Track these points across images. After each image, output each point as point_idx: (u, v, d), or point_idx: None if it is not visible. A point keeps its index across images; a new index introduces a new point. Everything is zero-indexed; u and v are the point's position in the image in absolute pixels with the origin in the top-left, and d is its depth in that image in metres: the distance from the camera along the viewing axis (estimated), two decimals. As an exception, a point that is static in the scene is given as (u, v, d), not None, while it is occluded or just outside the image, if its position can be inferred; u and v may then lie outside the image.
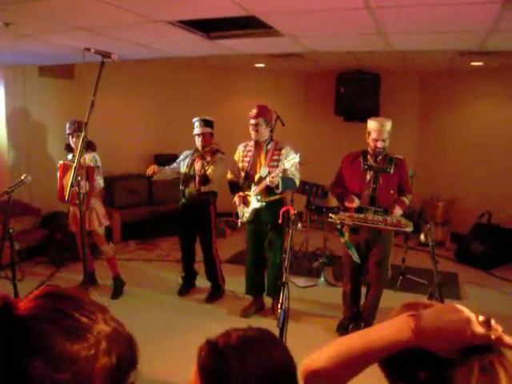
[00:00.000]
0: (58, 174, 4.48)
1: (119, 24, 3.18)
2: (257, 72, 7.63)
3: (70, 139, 4.56)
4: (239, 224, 4.33)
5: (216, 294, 4.72)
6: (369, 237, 3.81)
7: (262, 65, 7.08)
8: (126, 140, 6.81)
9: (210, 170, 4.40)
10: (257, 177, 4.11)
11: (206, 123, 4.55)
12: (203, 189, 4.48)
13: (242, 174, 4.29)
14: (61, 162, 4.54)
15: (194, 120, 4.59)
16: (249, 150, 4.27)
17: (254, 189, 4.10)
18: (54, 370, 0.63)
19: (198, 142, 4.54)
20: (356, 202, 3.78)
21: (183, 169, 4.61)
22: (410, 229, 3.57)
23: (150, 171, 4.52)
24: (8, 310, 0.66)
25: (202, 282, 4.88)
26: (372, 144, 3.77)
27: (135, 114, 7.05)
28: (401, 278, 5.03)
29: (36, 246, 5.73)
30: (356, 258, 3.78)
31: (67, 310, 0.69)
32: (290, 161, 3.75)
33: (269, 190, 4.05)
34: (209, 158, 4.47)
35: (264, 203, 4.07)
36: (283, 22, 3.12)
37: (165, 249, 6.32)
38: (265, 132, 4.14)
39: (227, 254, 6.02)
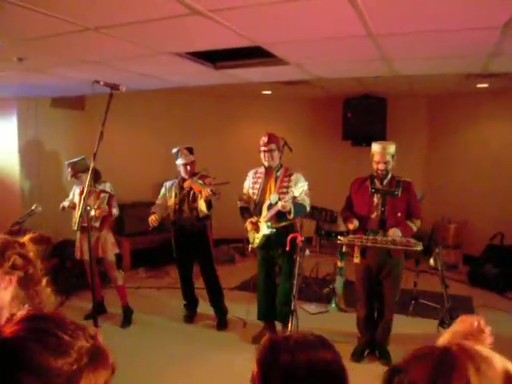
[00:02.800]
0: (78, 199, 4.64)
1: (128, 57, 3.26)
2: (264, 99, 7.73)
3: (74, 179, 4.76)
4: (249, 250, 4.35)
5: (224, 319, 4.68)
6: (379, 260, 3.79)
7: (268, 92, 7.18)
8: (136, 168, 6.90)
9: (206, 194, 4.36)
10: (266, 203, 4.14)
11: (190, 151, 4.60)
12: (201, 214, 4.49)
13: (252, 200, 4.33)
14: (79, 189, 4.68)
15: (175, 150, 4.61)
16: (258, 177, 4.31)
17: (265, 215, 4.13)
18: (42, 382, 0.72)
19: (185, 171, 4.55)
20: (354, 223, 3.82)
21: (171, 200, 4.61)
22: (419, 248, 3.52)
23: (153, 223, 4.54)
24: None
25: (207, 309, 4.84)
26: (374, 166, 3.83)
27: (144, 143, 7.15)
28: (413, 302, 4.96)
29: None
30: (338, 287, 3.69)
31: (50, 329, 0.78)
32: (299, 188, 3.85)
33: (279, 216, 4.06)
34: (210, 180, 4.46)
35: (274, 229, 4.08)
36: (288, 52, 3.19)
37: (174, 276, 6.28)
38: (276, 157, 4.21)
39: (237, 281, 6.00)
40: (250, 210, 4.34)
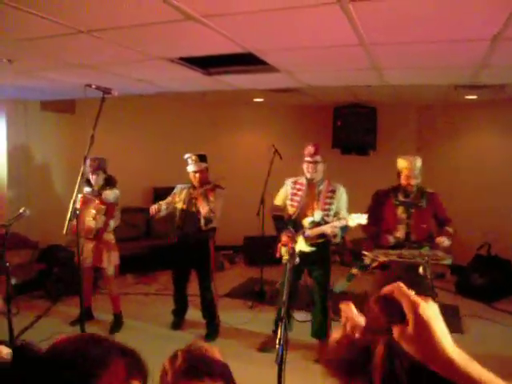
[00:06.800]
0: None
1: (120, 61, 3.25)
2: (255, 106, 7.74)
3: (91, 176, 4.57)
4: (284, 262, 4.00)
5: (214, 332, 4.59)
6: (401, 274, 3.64)
7: (260, 99, 7.19)
8: (126, 174, 6.82)
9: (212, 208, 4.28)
10: (309, 219, 3.90)
11: (201, 158, 4.43)
12: (205, 227, 4.39)
13: (290, 213, 4.06)
14: (81, 194, 4.45)
15: (186, 157, 4.45)
16: (299, 189, 4.04)
17: (307, 233, 3.89)
18: None
19: (195, 178, 4.40)
20: (390, 241, 3.74)
21: (179, 204, 4.47)
22: (448, 261, 3.47)
23: (153, 211, 4.39)
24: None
25: (196, 316, 4.78)
26: (405, 182, 3.78)
27: (134, 148, 7.11)
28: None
29: (32, 279, 5.66)
30: (338, 288, 3.86)
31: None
32: (355, 220, 3.64)
33: (319, 235, 3.89)
34: (212, 198, 4.32)
35: (314, 248, 3.88)
36: (279, 59, 3.20)
37: (163, 282, 6.25)
38: (320, 171, 3.99)
39: (226, 288, 5.97)
40: (285, 220, 4.08)
